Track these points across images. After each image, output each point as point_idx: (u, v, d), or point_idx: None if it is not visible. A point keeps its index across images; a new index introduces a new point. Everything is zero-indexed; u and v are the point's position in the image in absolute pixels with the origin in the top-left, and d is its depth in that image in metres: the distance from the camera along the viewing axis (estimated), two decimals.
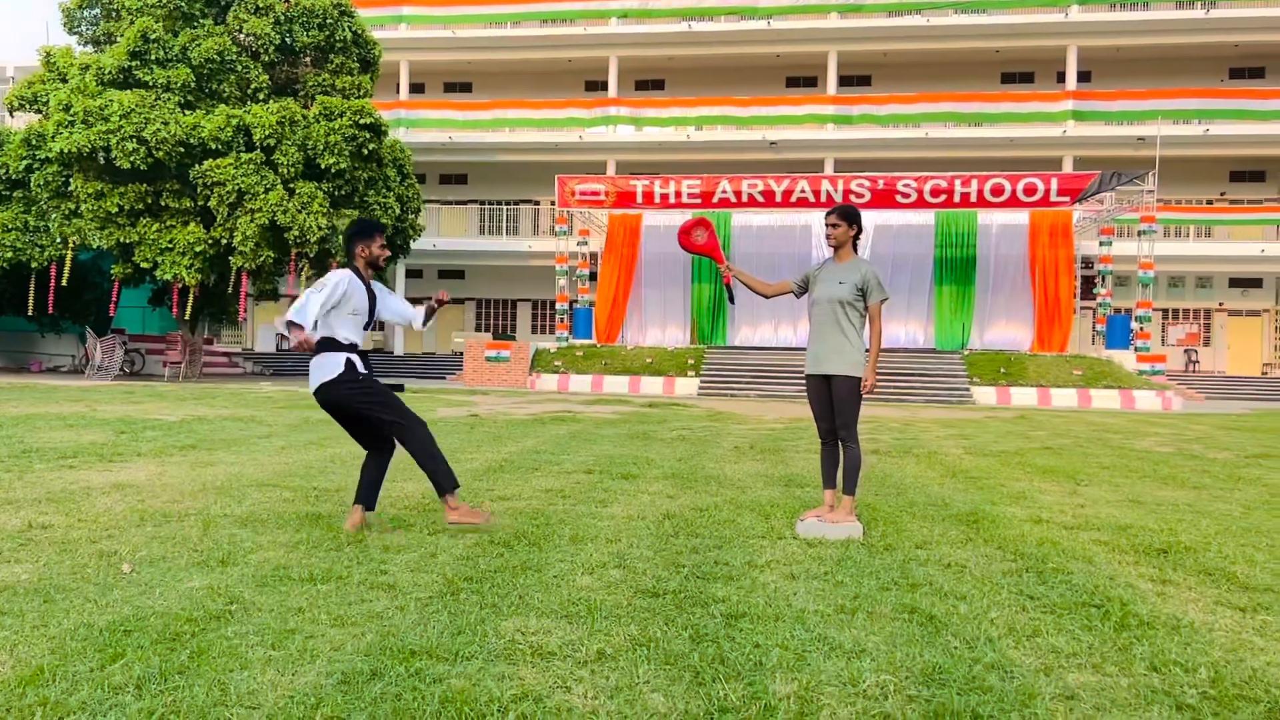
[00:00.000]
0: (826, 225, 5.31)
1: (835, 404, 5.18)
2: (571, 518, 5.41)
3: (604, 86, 35.16)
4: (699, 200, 26.19)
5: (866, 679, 2.79)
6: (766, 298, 5.72)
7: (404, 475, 7.04)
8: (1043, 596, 3.81)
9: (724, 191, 25.90)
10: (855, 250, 5.32)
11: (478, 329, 36.23)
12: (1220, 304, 33.32)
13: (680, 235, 5.87)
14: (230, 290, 24.54)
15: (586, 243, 28.66)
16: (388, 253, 5.07)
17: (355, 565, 4.07)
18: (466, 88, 38.12)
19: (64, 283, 23.62)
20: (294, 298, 27.98)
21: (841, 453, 5.23)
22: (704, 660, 2.93)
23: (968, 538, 5.08)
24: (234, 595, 3.52)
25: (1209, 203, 32.82)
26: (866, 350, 5.19)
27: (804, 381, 5.43)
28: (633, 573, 4.06)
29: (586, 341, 26.85)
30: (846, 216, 5.29)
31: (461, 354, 27.86)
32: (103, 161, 22.31)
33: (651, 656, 2.95)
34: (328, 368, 4.71)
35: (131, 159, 21.38)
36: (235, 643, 2.99)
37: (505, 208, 35.64)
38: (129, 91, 22.03)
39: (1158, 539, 5.11)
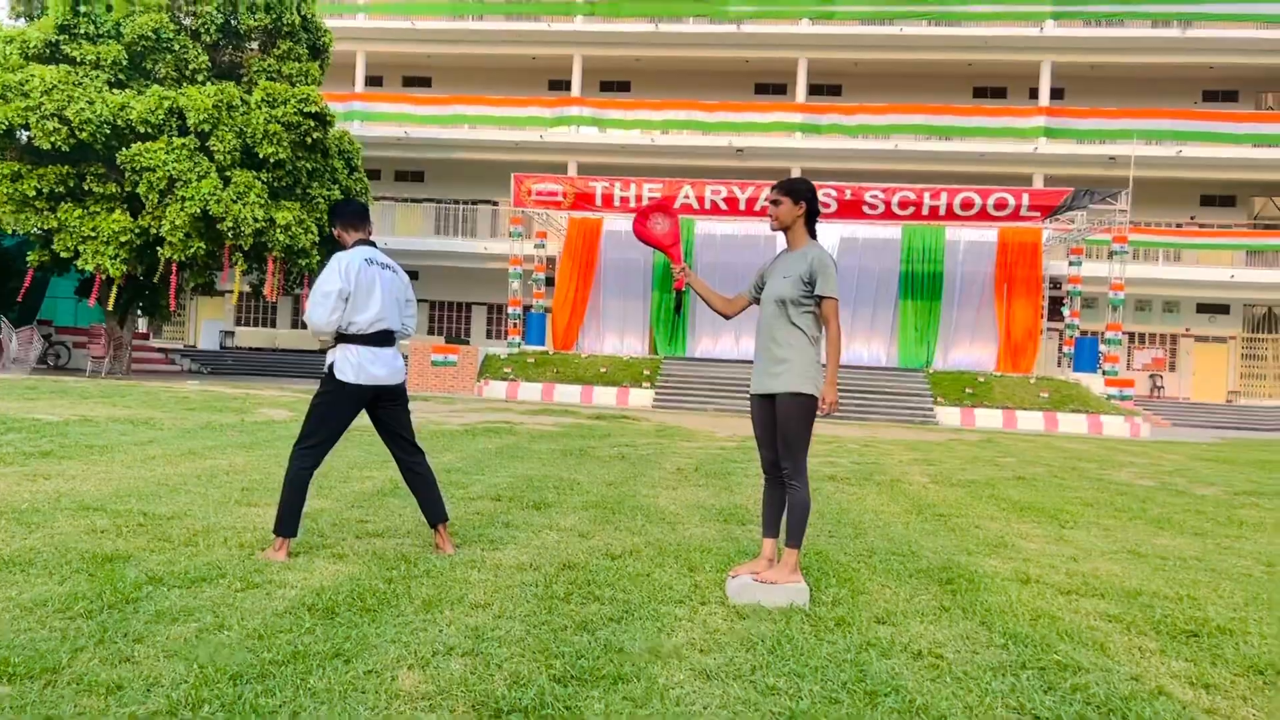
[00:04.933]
0: (768, 204, 4.20)
1: (779, 431, 4.06)
2: (442, 568, 4.25)
3: (568, 86, 33.96)
4: None
5: None
6: (727, 318, 4.58)
7: (263, 499, 5.85)
8: (1050, 715, 2.73)
9: (686, 197, 24.79)
10: (812, 235, 4.20)
11: (430, 332, 34.82)
12: (1187, 329, 32.79)
13: (636, 221, 4.72)
14: (159, 283, 23.04)
15: (544, 245, 27.42)
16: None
17: (90, 646, 2.86)
18: (426, 82, 36.75)
19: None
20: (229, 292, 26.76)
21: (786, 494, 4.11)
22: None
23: (942, 606, 3.99)
24: None
25: (1179, 226, 32.28)
26: (821, 363, 4.06)
27: None
28: (484, 665, 2.91)
29: (539, 348, 25.62)
30: (790, 191, 4.15)
31: (406, 356, 26.50)
32: (22, 140, 20.80)
33: None
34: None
35: (52, 139, 19.87)
36: None
37: (463, 207, 34.24)
38: (53, 67, 20.54)
39: (1180, 613, 4.05)
